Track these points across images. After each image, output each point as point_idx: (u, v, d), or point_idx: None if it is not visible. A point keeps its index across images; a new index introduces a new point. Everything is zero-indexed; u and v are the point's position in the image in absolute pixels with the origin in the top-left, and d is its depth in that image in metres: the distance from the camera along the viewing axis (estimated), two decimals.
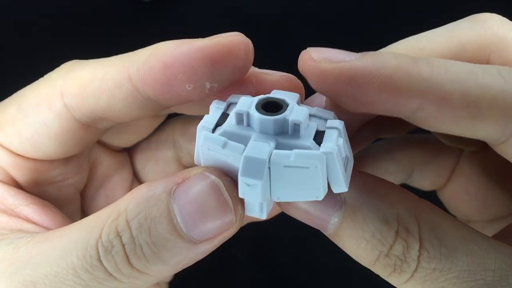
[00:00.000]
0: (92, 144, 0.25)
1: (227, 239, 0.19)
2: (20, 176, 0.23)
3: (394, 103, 0.17)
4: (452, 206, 0.28)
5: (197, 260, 0.19)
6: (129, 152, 0.29)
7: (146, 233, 0.18)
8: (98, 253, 0.18)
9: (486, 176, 0.26)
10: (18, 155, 0.23)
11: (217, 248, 0.29)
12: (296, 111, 0.17)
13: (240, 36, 0.20)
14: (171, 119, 0.28)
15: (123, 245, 0.18)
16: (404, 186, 0.28)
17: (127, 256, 0.18)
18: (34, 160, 0.23)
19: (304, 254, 0.35)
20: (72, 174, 0.25)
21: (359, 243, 0.18)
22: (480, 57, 0.20)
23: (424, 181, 0.28)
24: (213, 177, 0.18)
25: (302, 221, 0.19)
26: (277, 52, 0.36)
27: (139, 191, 0.18)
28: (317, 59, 0.17)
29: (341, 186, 0.17)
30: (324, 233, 0.19)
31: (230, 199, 0.18)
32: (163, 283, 0.29)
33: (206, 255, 0.19)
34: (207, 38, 0.20)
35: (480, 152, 0.26)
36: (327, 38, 0.35)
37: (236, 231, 0.19)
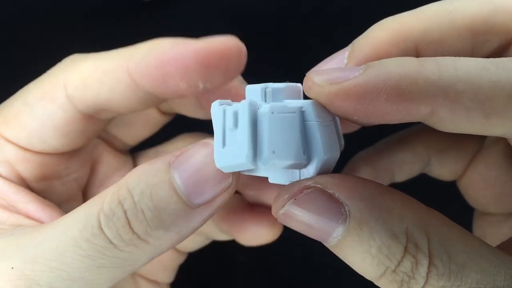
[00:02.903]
0: (95, 136, 0.25)
1: (222, 205, 0.19)
2: (26, 170, 0.24)
3: (406, 111, 0.16)
4: (471, 197, 0.27)
5: (193, 231, 0.19)
6: (134, 157, 0.29)
7: (148, 198, 0.18)
8: (99, 221, 0.18)
9: (507, 166, 0.25)
10: (25, 149, 0.23)
11: (217, 248, 0.29)
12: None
13: (233, 39, 0.21)
14: (182, 134, 0.29)
15: (125, 211, 0.18)
16: (423, 176, 0.28)
17: (128, 221, 0.18)
18: (40, 154, 0.24)
19: (305, 254, 0.35)
20: (76, 168, 0.25)
21: (364, 257, 0.17)
22: (511, 25, 0.20)
23: (442, 170, 0.27)
24: (212, 142, 0.18)
25: (302, 233, 0.18)
26: (277, 52, 0.36)
27: (139, 167, 0.19)
28: (320, 83, 0.17)
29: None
30: (325, 244, 0.18)
31: None
32: (164, 284, 0.29)
33: (203, 223, 0.19)
34: (201, 40, 0.21)
35: (502, 140, 0.25)
36: (327, 37, 0.35)
37: (232, 195, 0.19)
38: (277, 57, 0.36)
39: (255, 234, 0.26)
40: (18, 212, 0.22)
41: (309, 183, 0.18)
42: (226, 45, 0.21)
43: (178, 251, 0.29)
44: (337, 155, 0.19)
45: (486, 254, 0.17)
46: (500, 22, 0.19)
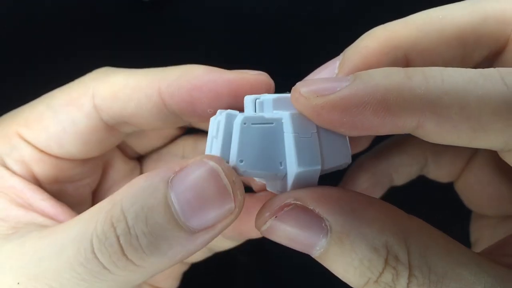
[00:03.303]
0: (111, 148, 0.26)
1: (225, 229, 0.18)
2: (41, 172, 0.24)
3: (393, 124, 0.16)
4: (467, 198, 0.27)
5: (194, 253, 0.18)
6: (140, 162, 0.30)
7: (143, 223, 0.17)
8: (92, 245, 0.18)
9: (502, 169, 0.25)
10: (43, 151, 0.24)
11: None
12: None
13: (265, 75, 0.22)
14: (185, 135, 0.29)
15: (118, 237, 0.17)
16: (421, 179, 0.28)
17: (121, 248, 0.17)
18: (57, 158, 0.24)
19: (305, 255, 0.35)
20: (89, 174, 0.26)
21: (347, 269, 0.18)
22: (501, 31, 0.20)
23: (439, 172, 0.27)
24: (211, 162, 0.18)
25: (286, 245, 0.19)
26: (278, 52, 0.36)
27: (136, 181, 0.18)
28: (306, 95, 0.17)
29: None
30: (311, 255, 0.19)
31: (230, 184, 0.18)
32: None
33: (204, 246, 0.18)
34: (235, 72, 0.22)
35: None
36: (328, 37, 0.35)
37: (235, 220, 0.18)
38: (277, 57, 0.36)
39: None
40: (33, 209, 0.23)
41: (289, 200, 0.18)
42: (258, 80, 0.21)
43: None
44: (317, 168, 0.19)
45: (467, 262, 0.18)
46: (490, 30, 0.19)
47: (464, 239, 0.26)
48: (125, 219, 0.17)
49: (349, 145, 0.20)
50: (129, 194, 0.18)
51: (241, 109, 0.20)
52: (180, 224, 0.17)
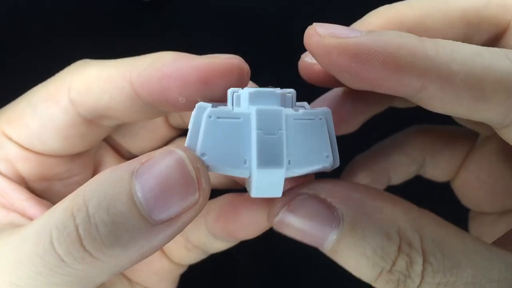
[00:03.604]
0: (97, 142, 0.25)
1: (188, 222, 0.18)
2: (26, 170, 0.24)
3: (398, 81, 0.17)
4: (465, 197, 0.27)
5: (156, 249, 0.18)
6: None
7: (104, 212, 0.16)
8: (51, 236, 0.17)
9: (498, 164, 0.26)
10: (26, 149, 0.23)
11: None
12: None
13: (236, 59, 0.20)
14: (179, 137, 0.29)
15: (77, 226, 0.17)
16: (419, 178, 0.28)
17: (80, 238, 0.17)
18: (41, 154, 0.24)
19: (306, 256, 0.35)
20: (78, 171, 0.25)
21: (359, 259, 0.17)
22: (502, 16, 0.20)
23: (436, 171, 0.27)
24: (177, 150, 0.17)
25: (298, 239, 0.18)
26: (278, 52, 0.36)
27: (102, 173, 0.18)
28: (322, 34, 0.17)
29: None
30: (321, 250, 0.18)
31: (194, 171, 0.17)
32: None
33: (167, 241, 0.18)
34: (203, 57, 0.21)
35: (493, 138, 0.25)
36: None
37: (199, 213, 0.18)
38: (277, 57, 0.36)
39: (254, 219, 0.24)
40: (15, 209, 0.22)
41: (301, 190, 0.18)
42: (228, 64, 0.20)
43: (175, 263, 0.28)
44: (279, 170, 0.17)
45: (480, 249, 0.18)
46: (491, 14, 0.20)
47: None
48: (86, 208, 0.17)
49: (331, 147, 0.19)
50: (92, 184, 0.17)
51: (218, 97, 0.20)
52: (142, 214, 0.17)
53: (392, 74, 0.16)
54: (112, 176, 0.17)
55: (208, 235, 0.26)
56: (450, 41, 0.17)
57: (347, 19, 0.36)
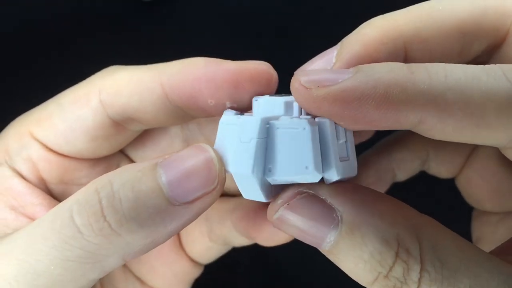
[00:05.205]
0: (120, 148, 0.26)
1: (205, 209, 0.19)
2: (47, 171, 0.24)
3: (394, 119, 0.16)
4: (469, 194, 0.27)
5: (170, 234, 0.19)
6: None
7: (129, 189, 0.18)
8: (71, 211, 0.18)
9: (502, 163, 0.25)
10: (51, 150, 0.24)
11: None
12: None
13: (265, 65, 0.22)
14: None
15: (100, 199, 0.18)
16: (423, 174, 0.28)
17: (102, 208, 0.18)
18: (64, 156, 0.24)
19: (307, 257, 0.35)
20: None
21: (356, 262, 0.17)
22: (501, 23, 0.19)
23: (440, 167, 0.27)
24: (204, 145, 0.19)
25: (297, 238, 0.19)
26: (278, 52, 0.36)
27: (126, 165, 0.19)
28: (307, 85, 0.17)
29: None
30: (320, 250, 0.18)
31: (218, 165, 0.19)
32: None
33: (181, 227, 0.19)
34: (235, 62, 0.22)
35: None
36: (328, 36, 0.35)
37: (215, 200, 0.19)
38: (277, 57, 0.36)
39: (273, 232, 0.25)
40: (25, 213, 0.23)
41: (302, 189, 0.18)
42: (257, 69, 0.21)
43: (194, 263, 0.28)
44: (246, 173, 0.18)
45: (479, 259, 0.17)
46: (490, 22, 0.19)
47: (465, 238, 0.26)
48: (111, 185, 0.18)
49: (314, 157, 0.18)
50: (117, 170, 0.19)
51: (243, 100, 0.21)
52: (164, 194, 0.18)
53: (386, 113, 0.16)
54: (137, 165, 0.19)
55: (232, 229, 0.27)
56: (443, 65, 0.16)
57: (348, 18, 0.36)
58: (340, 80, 0.16)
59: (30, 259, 0.18)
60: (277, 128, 0.18)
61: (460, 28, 0.19)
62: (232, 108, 0.22)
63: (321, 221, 0.18)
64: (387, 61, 0.18)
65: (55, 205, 0.23)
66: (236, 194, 0.28)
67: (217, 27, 0.36)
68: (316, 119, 0.18)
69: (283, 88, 0.22)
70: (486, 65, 0.16)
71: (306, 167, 0.18)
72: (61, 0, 0.35)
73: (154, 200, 0.18)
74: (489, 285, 0.17)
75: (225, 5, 0.37)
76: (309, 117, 0.18)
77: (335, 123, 0.18)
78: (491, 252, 0.20)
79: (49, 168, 0.24)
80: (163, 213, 0.18)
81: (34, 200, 0.23)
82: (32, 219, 0.23)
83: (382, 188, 0.28)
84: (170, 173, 0.18)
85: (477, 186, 0.26)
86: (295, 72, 0.18)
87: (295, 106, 0.19)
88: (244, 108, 0.22)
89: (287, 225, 0.18)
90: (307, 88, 0.17)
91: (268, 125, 0.18)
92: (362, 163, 0.27)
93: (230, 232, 0.27)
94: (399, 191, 0.28)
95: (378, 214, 0.17)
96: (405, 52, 0.20)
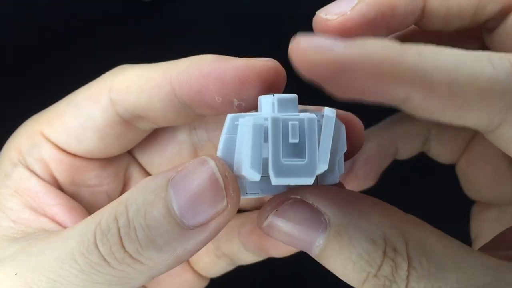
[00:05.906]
0: (129, 147, 0.26)
1: (220, 228, 0.19)
2: (59, 172, 0.24)
3: (382, 92, 0.17)
4: (468, 182, 0.28)
5: (191, 254, 0.19)
6: None
7: (142, 216, 0.18)
8: (95, 237, 0.18)
9: (502, 151, 0.26)
10: (61, 149, 0.24)
11: None
12: None
13: (273, 62, 0.22)
14: None
15: (119, 228, 0.18)
16: (423, 156, 0.29)
17: (121, 239, 0.18)
18: (75, 156, 0.24)
19: (308, 257, 0.35)
20: (108, 181, 0.26)
21: (346, 264, 0.18)
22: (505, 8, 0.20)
23: (441, 148, 0.28)
24: (208, 159, 0.18)
25: (286, 244, 0.19)
26: (278, 53, 0.36)
27: (142, 181, 0.19)
28: (305, 48, 0.17)
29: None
30: (310, 254, 0.19)
31: (221, 178, 0.18)
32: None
33: (200, 247, 0.19)
34: (242, 59, 0.22)
35: None
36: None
37: (230, 219, 0.19)
38: (277, 57, 0.36)
39: None
40: (45, 214, 0.23)
41: (290, 194, 0.19)
42: (265, 66, 0.21)
43: (199, 275, 0.28)
44: (228, 161, 0.19)
45: (465, 255, 0.18)
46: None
47: (465, 238, 0.26)
48: (127, 213, 0.18)
49: (252, 156, 0.18)
50: (133, 191, 0.19)
51: (251, 97, 0.21)
52: (175, 219, 0.18)
53: (376, 85, 0.16)
54: (150, 185, 0.19)
55: (240, 246, 0.27)
56: (435, 47, 0.17)
57: None
58: (336, 48, 0.17)
59: (62, 280, 0.19)
60: (237, 124, 0.19)
61: None
62: (239, 106, 0.22)
63: (309, 225, 0.18)
64: (406, 7, 0.19)
65: (73, 206, 0.24)
66: (244, 210, 0.28)
67: (217, 27, 0.36)
68: (301, 115, 0.18)
69: (284, 88, 0.22)
70: (475, 51, 0.17)
71: (247, 164, 0.18)
72: (61, 0, 0.35)
73: (167, 226, 0.18)
74: (475, 278, 0.17)
75: (225, 5, 0.37)
76: (280, 114, 0.18)
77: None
78: (482, 247, 0.21)
79: (61, 168, 0.24)
80: (178, 237, 0.18)
81: (51, 200, 0.23)
82: (52, 219, 0.23)
83: (384, 162, 0.28)
84: (179, 197, 0.18)
85: (476, 172, 0.27)
86: (317, 12, 0.19)
87: (264, 102, 0.20)
88: (251, 107, 0.22)
89: (277, 232, 0.19)
90: (304, 50, 0.17)
91: (236, 122, 0.19)
92: (366, 137, 0.28)
93: (238, 249, 0.27)
94: (399, 190, 0.28)
95: (364, 215, 0.18)
96: (424, 1, 0.21)
